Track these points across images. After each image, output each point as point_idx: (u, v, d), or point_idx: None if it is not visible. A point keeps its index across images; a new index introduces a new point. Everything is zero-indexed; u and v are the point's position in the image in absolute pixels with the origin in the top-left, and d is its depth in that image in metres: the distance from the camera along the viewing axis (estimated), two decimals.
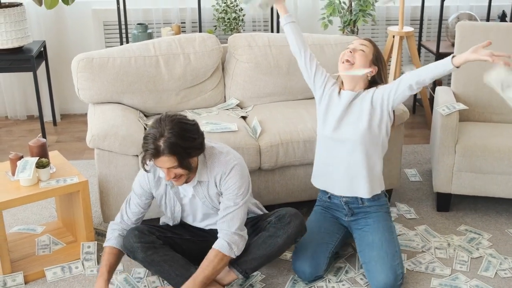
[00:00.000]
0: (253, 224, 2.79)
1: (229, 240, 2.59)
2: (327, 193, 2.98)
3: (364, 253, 2.81)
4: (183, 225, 2.86)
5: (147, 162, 2.51)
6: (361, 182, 2.86)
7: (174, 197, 2.73)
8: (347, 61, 2.84)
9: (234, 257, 2.62)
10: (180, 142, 2.43)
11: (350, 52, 2.85)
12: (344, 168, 2.86)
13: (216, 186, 2.64)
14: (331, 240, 2.88)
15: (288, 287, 2.80)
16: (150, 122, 3.27)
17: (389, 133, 2.89)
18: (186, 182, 2.61)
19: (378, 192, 2.92)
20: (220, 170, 2.60)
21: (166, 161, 2.44)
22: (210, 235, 2.82)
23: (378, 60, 2.88)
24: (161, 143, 2.41)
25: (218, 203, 2.69)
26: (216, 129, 3.16)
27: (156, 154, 2.43)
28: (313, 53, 3.05)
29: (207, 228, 2.85)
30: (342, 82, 2.94)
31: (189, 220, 2.85)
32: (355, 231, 2.92)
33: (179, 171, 2.50)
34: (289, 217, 2.69)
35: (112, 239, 2.74)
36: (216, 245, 2.60)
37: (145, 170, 2.59)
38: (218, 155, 2.62)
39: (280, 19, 3.03)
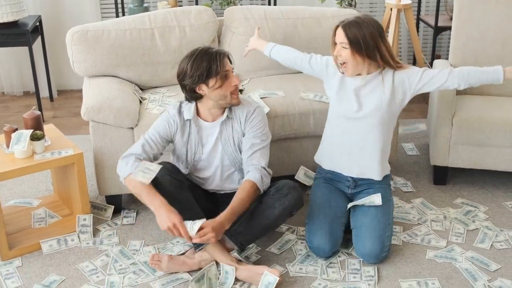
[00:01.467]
0: None
1: (261, 173, 2.65)
2: (328, 170, 2.97)
3: (357, 218, 2.81)
4: (192, 183, 2.86)
5: (221, 68, 2.63)
6: (374, 165, 2.86)
7: (197, 142, 2.76)
8: (342, 65, 2.80)
9: (261, 192, 2.67)
10: (218, 49, 2.73)
11: (341, 64, 2.80)
12: (358, 150, 2.84)
13: (240, 125, 2.74)
14: (342, 213, 2.86)
15: (298, 262, 2.80)
16: (145, 95, 3.27)
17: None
18: (214, 119, 2.75)
19: (387, 173, 2.94)
20: (245, 109, 2.75)
21: (228, 62, 2.67)
22: (213, 200, 2.86)
23: (369, 43, 2.71)
24: (214, 50, 2.68)
25: (237, 151, 2.75)
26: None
27: (220, 52, 2.66)
28: (305, 53, 3.06)
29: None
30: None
31: (201, 175, 2.84)
32: (357, 198, 2.91)
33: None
34: (287, 189, 2.69)
35: (133, 166, 2.61)
36: (251, 177, 2.64)
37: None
38: (240, 98, 2.78)
39: (264, 52, 3.15)
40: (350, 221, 2.86)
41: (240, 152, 2.77)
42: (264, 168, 2.69)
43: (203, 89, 2.66)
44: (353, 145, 2.85)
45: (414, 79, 2.78)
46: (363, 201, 2.82)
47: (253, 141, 2.72)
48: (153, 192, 2.55)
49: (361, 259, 2.77)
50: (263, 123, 2.76)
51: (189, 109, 2.76)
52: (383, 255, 2.73)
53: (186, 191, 2.69)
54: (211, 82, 2.64)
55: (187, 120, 2.75)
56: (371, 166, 2.87)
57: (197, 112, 2.77)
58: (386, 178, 2.96)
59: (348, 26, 2.74)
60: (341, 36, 2.74)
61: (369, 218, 2.76)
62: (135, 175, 2.54)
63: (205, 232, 2.47)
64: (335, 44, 2.78)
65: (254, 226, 2.67)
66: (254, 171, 2.66)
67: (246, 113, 2.74)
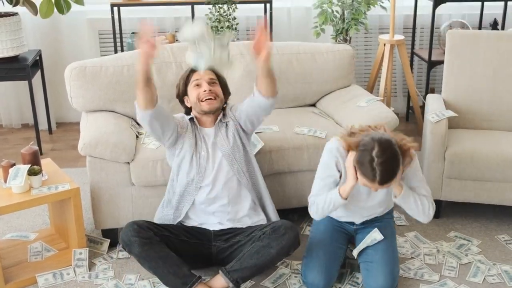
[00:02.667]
0: (248, 234, 2.82)
1: None
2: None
3: (367, 253, 2.82)
4: (181, 226, 2.89)
5: (188, 84, 2.92)
6: (382, 209, 2.90)
7: (201, 141, 2.89)
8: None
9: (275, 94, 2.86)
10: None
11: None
12: (370, 210, 2.88)
13: (233, 120, 2.95)
14: (341, 251, 2.89)
15: None
16: (142, 130, 3.32)
17: None
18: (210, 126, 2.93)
19: (391, 206, 2.97)
20: (231, 110, 3.00)
21: (206, 72, 2.87)
22: (205, 238, 2.86)
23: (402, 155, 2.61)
24: None
25: (237, 147, 2.90)
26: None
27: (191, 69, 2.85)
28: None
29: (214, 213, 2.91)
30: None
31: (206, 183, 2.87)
32: (359, 234, 2.92)
33: (217, 89, 2.91)
34: (284, 229, 2.71)
35: None
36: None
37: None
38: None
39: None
40: (358, 256, 2.87)
41: (238, 151, 2.91)
42: None
43: (187, 100, 2.97)
44: (358, 209, 2.87)
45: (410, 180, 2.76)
46: (365, 243, 2.83)
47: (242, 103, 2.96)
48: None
49: None
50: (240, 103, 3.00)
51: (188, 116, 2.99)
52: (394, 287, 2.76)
53: (157, 246, 2.70)
54: (188, 91, 2.94)
55: (190, 118, 2.94)
56: (378, 212, 2.91)
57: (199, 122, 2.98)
58: (390, 211, 2.99)
59: (384, 178, 2.50)
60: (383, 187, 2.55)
61: (379, 254, 2.78)
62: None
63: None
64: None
65: (250, 265, 2.69)
66: None
67: (232, 109, 3.00)
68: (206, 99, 2.87)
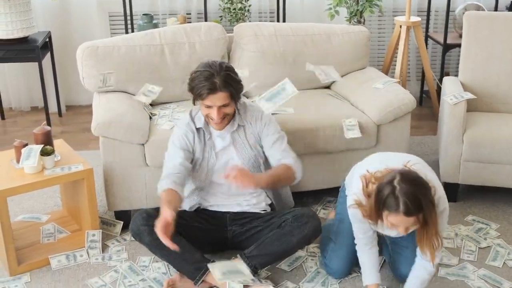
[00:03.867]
0: (267, 220, 2.77)
1: (294, 160, 2.77)
2: None
3: (400, 239, 2.64)
4: (194, 212, 2.85)
5: (201, 100, 2.65)
6: None
7: (210, 147, 2.77)
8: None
9: (296, 179, 2.78)
10: (233, 79, 2.66)
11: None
12: None
13: (252, 126, 2.81)
14: None
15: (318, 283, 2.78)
16: (155, 111, 3.27)
17: None
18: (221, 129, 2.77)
19: None
20: (253, 115, 2.81)
21: (221, 97, 2.62)
22: (221, 223, 2.81)
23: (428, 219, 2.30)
24: (217, 79, 2.59)
25: (255, 151, 2.79)
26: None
27: (213, 89, 2.59)
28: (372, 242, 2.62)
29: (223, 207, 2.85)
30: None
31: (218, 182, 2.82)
32: None
33: (229, 109, 2.68)
34: (307, 218, 2.67)
35: (165, 184, 2.62)
36: (286, 161, 2.75)
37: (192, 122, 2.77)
38: (246, 103, 2.87)
39: None
40: (386, 236, 2.71)
41: (261, 148, 2.82)
42: (295, 159, 2.79)
43: (198, 103, 2.74)
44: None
45: None
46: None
47: (275, 138, 2.80)
48: (163, 206, 2.52)
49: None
50: (275, 123, 2.86)
51: (199, 118, 2.78)
52: None
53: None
54: (199, 105, 2.72)
55: (199, 128, 2.77)
56: None
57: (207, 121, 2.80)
58: None
59: (411, 209, 2.21)
60: (409, 221, 2.25)
61: (411, 241, 2.55)
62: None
63: (231, 169, 2.55)
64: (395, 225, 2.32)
65: (270, 251, 2.65)
66: (286, 159, 2.76)
67: (255, 117, 2.81)
68: (214, 123, 2.72)
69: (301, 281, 2.76)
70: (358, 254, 2.63)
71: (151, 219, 2.62)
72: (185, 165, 2.71)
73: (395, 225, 2.28)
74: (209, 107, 2.65)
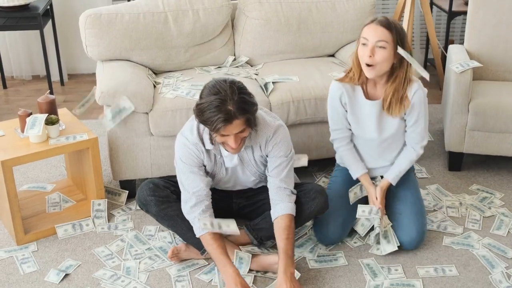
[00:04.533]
0: None
1: (292, 201, 2.58)
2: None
3: (395, 205, 2.78)
4: None
5: (217, 132, 2.36)
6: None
7: (219, 165, 2.63)
8: (368, 65, 2.57)
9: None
10: (248, 103, 2.36)
11: (370, 56, 2.54)
12: (382, 157, 2.83)
13: (261, 150, 2.58)
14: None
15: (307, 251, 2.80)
16: (159, 79, 3.24)
17: None
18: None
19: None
20: (264, 135, 2.54)
21: (238, 124, 2.34)
22: (226, 195, 2.81)
23: (401, 43, 2.56)
24: (231, 107, 2.30)
25: (261, 168, 2.65)
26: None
27: (229, 119, 2.30)
28: (345, 133, 2.82)
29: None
30: (357, 78, 2.69)
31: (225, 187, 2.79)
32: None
33: (246, 133, 2.42)
34: (315, 193, 2.65)
35: (200, 226, 2.49)
36: (285, 210, 2.54)
37: (211, 142, 2.51)
38: (260, 118, 2.54)
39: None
40: (386, 209, 2.80)
41: (263, 166, 2.66)
42: (293, 193, 2.60)
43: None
44: (376, 155, 2.84)
45: (408, 120, 2.73)
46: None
47: (280, 161, 2.57)
48: (225, 259, 2.44)
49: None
50: (286, 142, 2.59)
51: (207, 139, 2.54)
52: (423, 239, 2.75)
53: (175, 204, 2.62)
54: (213, 134, 2.46)
55: (208, 149, 2.57)
56: (391, 158, 2.86)
57: None
58: (412, 166, 2.92)
59: (387, 22, 2.53)
60: (379, 33, 2.53)
61: (409, 206, 2.74)
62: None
63: None
64: (364, 44, 2.57)
65: None
66: (285, 201, 2.56)
67: (266, 138, 2.55)
68: (228, 147, 2.49)
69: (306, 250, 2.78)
70: (339, 155, 2.88)
71: (157, 189, 2.61)
72: (207, 182, 2.58)
73: (367, 39, 2.54)
74: (225, 135, 2.40)
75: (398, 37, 2.54)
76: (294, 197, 2.60)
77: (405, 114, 2.71)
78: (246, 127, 2.39)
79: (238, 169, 2.67)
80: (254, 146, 2.58)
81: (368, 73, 2.59)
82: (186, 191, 2.56)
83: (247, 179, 2.72)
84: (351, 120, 2.76)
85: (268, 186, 2.62)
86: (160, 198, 2.61)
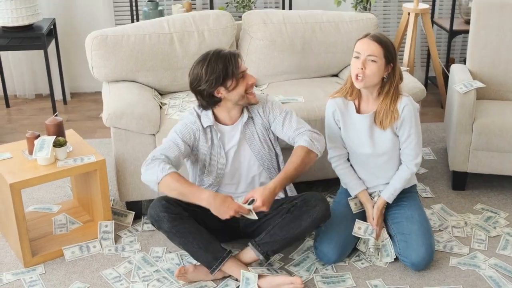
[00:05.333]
0: (277, 206, 2.77)
1: (309, 136, 2.71)
2: None
3: (402, 225, 2.79)
4: None
5: (235, 72, 2.62)
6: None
7: (219, 147, 2.74)
8: (358, 77, 2.68)
9: (318, 153, 2.72)
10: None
11: (361, 69, 2.65)
12: (380, 176, 2.87)
13: (261, 117, 2.79)
14: None
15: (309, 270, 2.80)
16: (165, 100, 3.26)
17: None
18: (233, 122, 2.76)
19: (414, 183, 2.96)
20: (260, 104, 2.79)
21: (242, 62, 2.67)
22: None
23: (391, 59, 2.70)
24: (229, 50, 2.68)
25: (264, 148, 2.78)
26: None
27: (238, 54, 2.66)
28: (342, 148, 2.90)
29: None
30: (353, 89, 2.81)
31: (229, 182, 2.82)
32: (387, 209, 2.90)
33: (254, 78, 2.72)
34: (315, 201, 2.67)
35: (165, 168, 2.55)
36: (300, 142, 2.70)
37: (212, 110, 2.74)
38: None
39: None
40: (391, 228, 2.84)
41: (268, 148, 2.80)
42: (311, 131, 2.74)
43: (221, 92, 2.65)
44: (372, 174, 2.88)
45: (400, 135, 2.79)
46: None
47: (282, 117, 2.78)
48: (196, 188, 2.56)
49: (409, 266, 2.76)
50: (278, 104, 2.83)
51: (206, 116, 2.74)
52: (432, 259, 2.76)
53: (187, 221, 2.64)
54: (229, 83, 2.63)
55: (207, 127, 2.74)
56: (388, 176, 2.88)
57: (215, 118, 2.76)
58: (414, 186, 2.96)
59: (379, 38, 2.68)
60: (371, 47, 2.66)
61: (417, 225, 2.76)
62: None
63: (257, 207, 2.53)
64: (356, 57, 2.69)
65: (281, 237, 2.65)
66: (301, 136, 2.72)
67: (262, 105, 2.79)
68: (252, 92, 2.72)
69: (287, 264, 2.80)
70: (338, 173, 2.94)
71: (170, 206, 2.63)
72: (179, 159, 2.67)
73: (359, 52, 2.65)
74: (243, 77, 2.66)
75: (388, 52, 2.68)
76: (312, 134, 2.73)
77: (396, 128, 2.77)
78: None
79: (240, 150, 2.76)
80: (254, 116, 2.78)
81: (357, 84, 2.70)
82: (157, 150, 2.65)
83: (250, 167, 2.78)
84: (344, 137, 2.85)
85: (293, 143, 2.76)
86: (173, 214, 2.62)
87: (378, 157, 2.82)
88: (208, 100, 2.69)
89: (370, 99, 2.79)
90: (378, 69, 2.66)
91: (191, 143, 2.73)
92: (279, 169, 2.84)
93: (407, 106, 2.75)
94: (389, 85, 2.73)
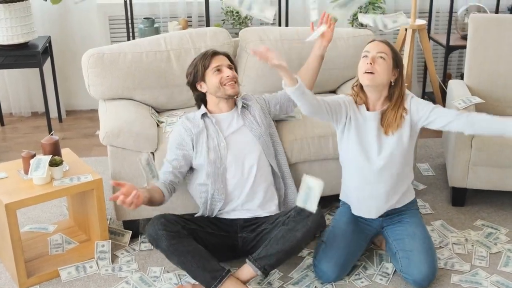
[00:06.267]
0: (273, 221, 2.75)
1: None
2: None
3: (404, 241, 2.76)
4: (207, 218, 2.84)
5: (208, 68, 2.88)
6: (397, 196, 2.83)
7: (217, 132, 2.85)
8: (368, 73, 2.68)
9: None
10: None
11: (370, 63, 2.66)
12: (383, 191, 2.79)
13: (256, 102, 3.01)
14: (361, 248, 2.87)
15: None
16: (162, 118, 3.24)
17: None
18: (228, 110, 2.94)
19: (412, 197, 2.92)
20: (252, 97, 3.06)
21: (224, 58, 2.93)
22: (232, 230, 2.81)
23: (398, 63, 2.75)
24: (212, 50, 2.96)
25: (265, 131, 2.92)
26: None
27: (215, 52, 2.93)
28: (325, 102, 2.73)
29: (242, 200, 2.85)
30: (358, 94, 2.80)
31: (232, 172, 2.83)
32: (389, 226, 2.86)
33: (234, 72, 2.93)
34: (308, 211, 2.64)
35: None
36: None
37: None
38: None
39: (288, 89, 2.61)
40: (392, 244, 2.81)
41: (263, 127, 2.94)
42: None
43: (202, 86, 2.91)
44: (376, 189, 2.80)
45: (423, 114, 2.74)
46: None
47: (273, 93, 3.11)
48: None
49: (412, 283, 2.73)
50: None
51: (199, 111, 2.93)
52: (435, 277, 2.73)
53: (185, 240, 2.62)
54: (206, 76, 2.89)
55: (202, 116, 2.89)
56: (394, 199, 2.83)
57: (209, 111, 2.95)
58: (413, 201, 2.92)
59: (386, 41, 2.77)
60: (380, 46, 2.72)
61: (418, 242, 2.73)
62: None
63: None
64: (365, 56, 2.71)
65: (277, 250, 2.62)
66: None
67: (256, 98, 3.07)
68: (229, 83, 2.88)
69: (287, 283, 2.76)
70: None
71: (169, 224, 2.61)
72: (178, 160, 2.82)
73: (368, 51, 2.69)
74: (218, 70, 2.87)
75: (396, 55, 2.74)
76: None
77: (412, 123, 2.76)
78: (231, 64, 2.95)
79: (241, 133, 2.88)
80: (250, 104, 2.98)
81: (366, 79, 2.69)
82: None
83: (251, 150, 2.86)
84: (353, 138, 2.76)
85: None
86: (172, 233, 2.59)
87: (382, 168, 2.75)
88: (197, 95, 2.97)
89: (377, 105, 2.78)
90: (387, 66, 2.68)
91: (189, 148, 2.84)
92: (276, 160, 2.96)
93: (413, 98, 2.79)
94: (398, 91, 2.74)
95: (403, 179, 2.83)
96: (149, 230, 2.62)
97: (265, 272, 2.66)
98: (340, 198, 3.00)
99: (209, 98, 2.95)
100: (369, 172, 2.77)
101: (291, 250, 2.65)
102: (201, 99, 2.98)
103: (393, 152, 2.75)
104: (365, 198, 2.83)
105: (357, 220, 2.88)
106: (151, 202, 2.65)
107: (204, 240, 2.73)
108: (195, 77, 2.93)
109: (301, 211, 2.65)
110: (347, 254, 2.75)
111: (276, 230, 2.67)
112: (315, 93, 3.65)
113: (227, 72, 2.89)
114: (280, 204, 2.93)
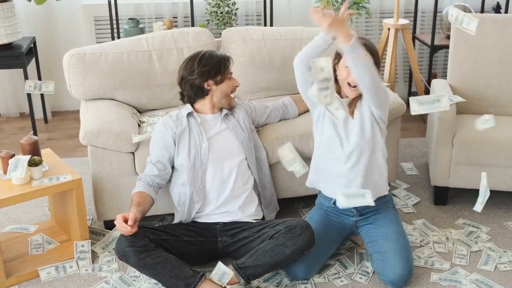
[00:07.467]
0: (258, 230, 2.75)
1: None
2: (332, 199, 2.91)
3: (378, 243, 2.76)
4: (182, 226, 2.83)
5: (224, 71, 2.88)
6: (369, 182, 2.80)
7: (200, 132, 2.85)
8: (352, 87, 2.74)
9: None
10: None
11: (352, 86, 2.74)
12: (353, 174, 2.79)
13: (241, 108, 3.01)
14: (332, 248, 2.86)
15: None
16: (143, 118, 3.24)
17: (385, 133, 2.87)
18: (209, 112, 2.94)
19: (385, 193, 2.90)
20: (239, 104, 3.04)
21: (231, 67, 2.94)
22: (211, 233, 2.80)
23: (378, 64, 2.79)
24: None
25: (248, 136, 2.94)
26: None
27: (229, 57, 2.93)
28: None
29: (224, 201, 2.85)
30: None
31: (212, 174, 2.82)
32: (363, 227, 2.87)
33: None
34: (300, 229, 2.64)
35: (139, 187, 2.79)
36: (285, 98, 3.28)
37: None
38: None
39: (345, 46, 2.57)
40: (367, 246, 2.82)
41: (247, 132, 2.94)
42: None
43: (210, 85, 2.85)
44: (345, 176, 2.81)
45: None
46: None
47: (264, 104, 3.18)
48: (132, 207, 2.69)
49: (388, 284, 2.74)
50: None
51: (185, 109, 2.91)
52: (411, 276, 2.72)
53: (153, 253, 2.60)
54: (219, 77, 2.86)
55: (188, 114, 2.87)
56: (358, 182, 2.81)
57: (195, 111, 2.93)
58: (388, 199, 2.92)
59: (367, 46, 2.72)
60: None
61: (392, 243, 2.73)
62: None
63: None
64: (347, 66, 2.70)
65: (263, 262, 2.62)
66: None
67: (241, 102, 3.08)
68: (232, 94, 2.95)
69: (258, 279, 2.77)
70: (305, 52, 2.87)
71: (135, 239, 2.58)
72: (162, 162, 2.83)
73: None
74: (230, 78, 2.91)
75: (376, 60, 2.76)
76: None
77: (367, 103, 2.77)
78: None
79: (224, 136, 2.89)
80: (236, 110, 2.98)
81: (351, 92, 2.76)
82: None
83: (233, 154, 2.87)
84: (328, 121, 2.81)
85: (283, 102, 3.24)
86: (138, 248, 2.57)
87: (351, 153, 2.76)
88: (196, 91, 2.87)
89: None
90: None
91: (172, 145, 2.84)
92: (257, 160, 2.99)
93: None
94: None
95: (374, 166, 2.80)
96: (117, 247, 2.61)
97: (248, 281, 2.66)
98: (307, 184, 2.97)
99: (209, 98, 2.90)
100: (341, 153, 2.79)
101: (277, 264, 2.65)
102: (192, 98, 2.90)
103: (358, 134, 2.76)
104: (336, 177, 2.82)
105: (330, 220, 2.88)
106: (144, 214, 2.71)
107: (178, 248, 2.71)
108: (209, 74, 2.84)
109: (292, 228, 2.64)
110: (316, 253, 2.75)
111: (264, 243, 2.66)
112: (297, 93, 3.67)
113: (236, 82, 2.96)
114: (260, 205, 2.93)
